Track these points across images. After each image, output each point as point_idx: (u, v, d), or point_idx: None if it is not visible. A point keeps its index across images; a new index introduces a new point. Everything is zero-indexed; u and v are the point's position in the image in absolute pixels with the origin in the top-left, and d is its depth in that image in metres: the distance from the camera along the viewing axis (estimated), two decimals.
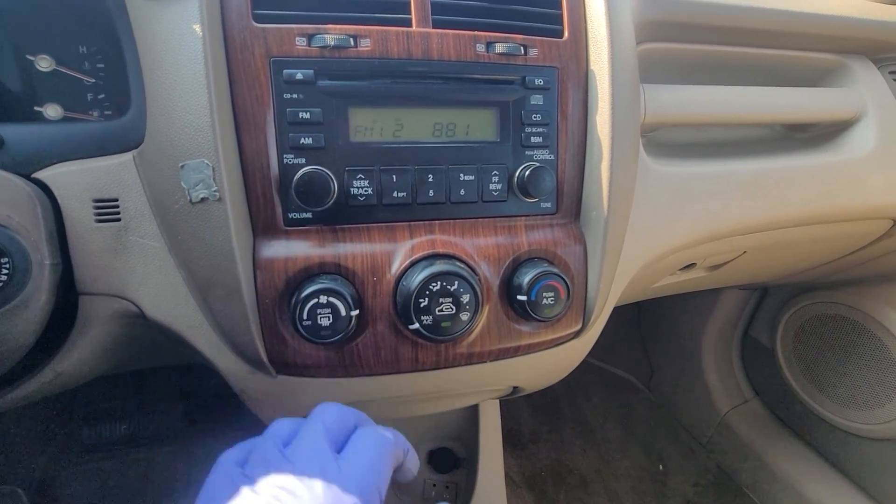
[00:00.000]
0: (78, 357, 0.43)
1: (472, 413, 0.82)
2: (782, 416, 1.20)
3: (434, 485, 0.81)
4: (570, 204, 0.49)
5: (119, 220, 0.41)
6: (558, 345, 0.50)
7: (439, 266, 0.41)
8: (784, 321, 1.12)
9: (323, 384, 0.45)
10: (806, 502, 1.04)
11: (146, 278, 0.42)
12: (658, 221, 0.56)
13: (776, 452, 1.13)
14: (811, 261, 0.89)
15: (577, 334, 0.50)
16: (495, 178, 0.46)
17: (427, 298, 0.41)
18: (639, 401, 1.42)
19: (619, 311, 1.73)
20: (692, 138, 0.71)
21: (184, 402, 1.10)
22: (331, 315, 0.40)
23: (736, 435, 1.21)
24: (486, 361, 0.48)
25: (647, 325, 1.47)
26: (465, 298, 0.41)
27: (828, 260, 0.90)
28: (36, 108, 0.46)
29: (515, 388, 0.59)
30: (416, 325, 0.41)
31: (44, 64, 0.46)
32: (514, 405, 1.37)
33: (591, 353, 1.77)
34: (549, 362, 0.53)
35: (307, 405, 0.50)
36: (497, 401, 0.83)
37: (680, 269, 0.76)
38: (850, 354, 1.00)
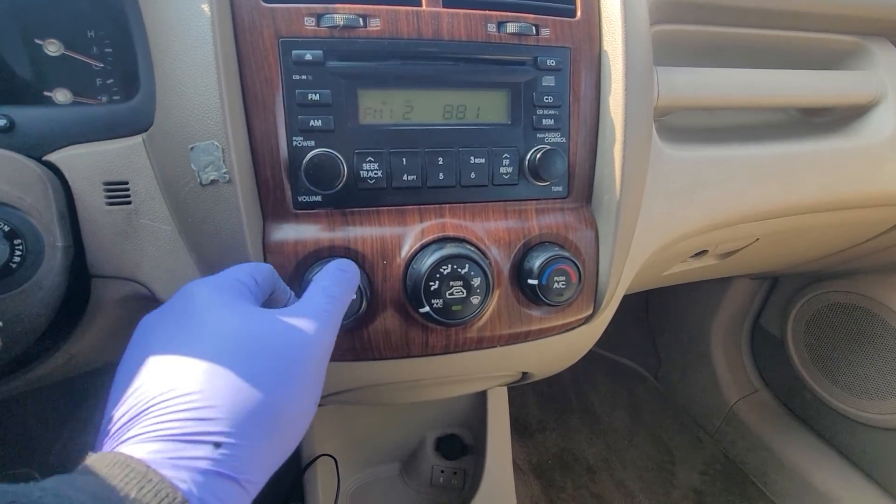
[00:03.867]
0: (91, 340, 0.43)
1: (480, 400, 0.82)
2: (791, 406, 1.19)
3: (442, 471, 0.82)
4: (581, 188, 0.49)
5: (130, 202, 0.41)
6: (569, 330, 0.50)
7: (450, 249, 0.41)
8: (795, 311, 1.11)
9: (332, 368, 0.45)
10: (814, 491, 1.04)
11: (157, 261, 0.42)
12: (671, 206, 0.55)
13: (784, 442, 1.13)
14: (825, 249, 0.88)
15: (587, 319, 0.50)
16: (506, 162, 0.46)
17: (437, 282, 0.40)
18: (646, 390, 1.42)
19: (627, 301, 1.72)
20: (706, 123, 0.69)
21: None
22: None
23: (744, 425, 1.21)
24: (496, 346, 0.48)
25: (655, 314, 1.46)
26: (476, 282, 0.41)
27: (842, 248, 0.88)
28: (45, 93, 0.46)
29: (525, 374, 0.58)
30: (427, 309, 0.40)
31: (52, 48, 0.46)
32: (521, 394, 1.38)
33: (598, 343, 1.77)
34: (560, 348, 0.53)
35: None
36: (505, 388, 0.83)
37: (691, 257, 0.75)
38: (862, 344, 0.99)
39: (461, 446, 0.83)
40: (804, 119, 0.73)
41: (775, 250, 0.85)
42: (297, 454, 0.76)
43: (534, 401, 1.37)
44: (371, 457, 0.83)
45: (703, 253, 0.73)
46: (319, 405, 0.76)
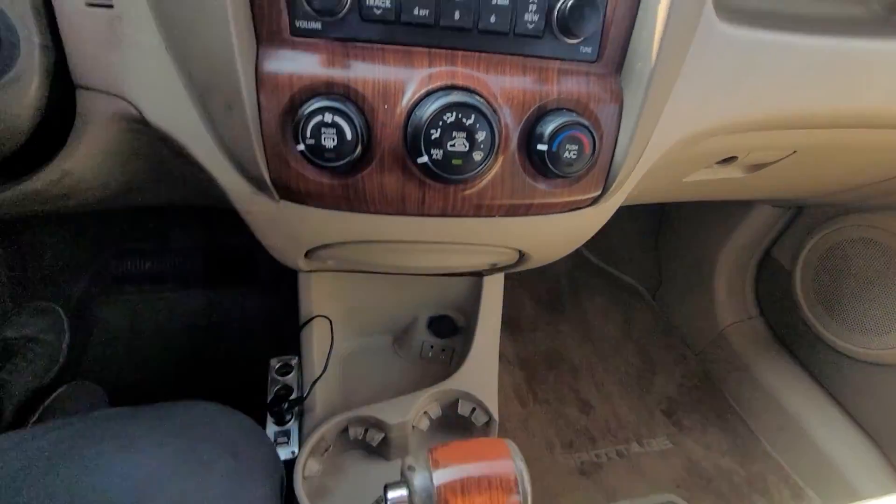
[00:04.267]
0: (82, 158, 0.42)
1: (476, 287, 0.83)
2: (781, 335, 1.21)
3: (431, 346, 0.86)
4: (613, 52, 0.43)
5: (111, 6, 0.37)
6: (573, 210, 0.48)
7: (457, 96, 0.38)
8: (812, 243, 1.08)
9: (326, 217, 0.44)
10: (783, 412, 1.09)
11: (144, 78, 0.39)
12: (709, 91, 0.49)
13: (766, 367, 1.16)
14: (866, 175, 0.82)
15: (594, 201, 0.48)
16: (532, 8, 0.40)
17: (439, 130, 0.37)
18: (642, 308, 1.44)
19: (638, 219, 1.68)
20: (773, 7, 0.60)
21: (203, 251, 1.15)
22: (335, 136, 0.37)
23: (731, 348, 1.24)
24: (494, 216, 0.46)
25: (665, 235, 1.44)
26: (481, 136, 0.38)
27: (885, 177, 0.82)
28: None
29: (522, 256, 0.58)
30: (425, 159, 0.38)
31: None
32: (517, 295, 1.41)
33: (602, 258, 1.76)
34: (560, 229, 0.51)
35: (310, 236, 0.50)
36: (501, 277, 0.84)
37: (717, 163, 0.70)
38: (872, 281, 0.97)
39: (453, 327, 0.86)
40: (889, 16, 0.63)
41: (809, 170, 0.79)
42: (296, 314, 0.79)
43: (529, 303, 1.40)
44: (365, 328, 0.87)
45: (731, 160, 0.68)
46: (316, 269, 0.77)
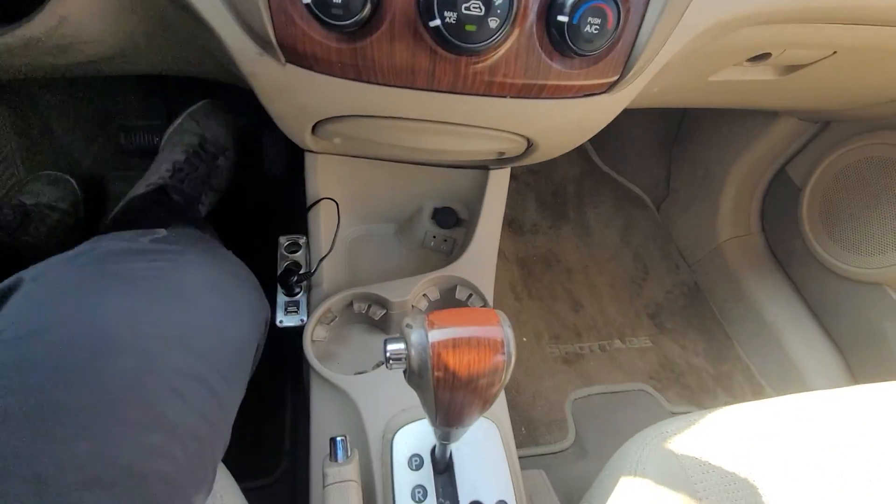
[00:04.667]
0: (78, 2, 0.40)
1: (481, 182, 0.84)
2: (776, 252, 1.23)
3: (434, 236, 0.88)
4: None
5: None
6: (587, 95, 0.46)
7: None
8: (829, 160, 1.05)
9: (333, 84, 0.43)
10: (761, 321, 1.15)
11: None
12: None
13: (755, 280, 1.20)
14: None
15: (610, 87, 0.46)
16: None
17: None
18: (645, 218, 1.45)
19: (655, 128, 1.61)
20: None
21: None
22: None
23: (724, 261, 1.27)
24: (505, 96, 0.45)
25: (680, 146, 1.40)
26: (498, 0, 0.36)
27: None
28: None
29: (529, 145, 0.57)
30: (438, 22, 0.36)
31: None
32: (522, 197, 1.41)
33: (613, 166, 1.72)
34: (572, 116, 0.50)
35: (317, 106, 0.50)
36: (507, 174, 0.84)
37: (748, 60, 0.66)
38: (882, 201, 0.96)
39: (456, 219, 0.88)
40: None
41: (847, 76, 0.74)
42: (304, 196, 0.81)
43: (534, 206, 1.41)
44: (371, 214, 0.89)
45: (764, 56, 0.64)
46: (323, 150, 0.77)
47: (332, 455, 0.50)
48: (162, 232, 0.48)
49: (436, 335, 0.36)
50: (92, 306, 0.36)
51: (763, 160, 1.20)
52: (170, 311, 0.39)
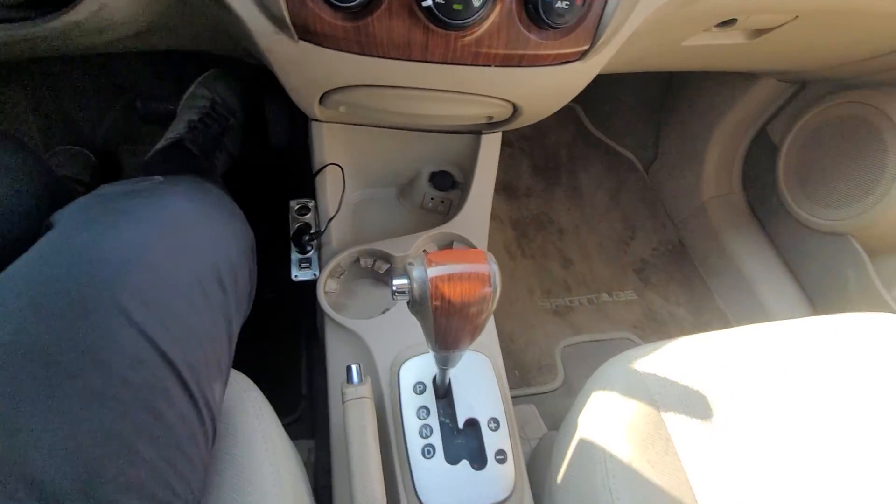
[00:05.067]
0: None
1: (474, 146, 0.90)
2: (756, 208, 1.31)
3: (432, 198, 0.96)
4: None
5: None
6: (562, 63, 0.53)
7: None
8: (805, 119, 1.11)
9: (340, 58, 0.50)
10: (738, 273, 1.24)
11: None
12: None
13: (734, 235, 1.28)
14: (867, 47, 0.82)
15: (582, 55, 0.52)
16: None
17: None
18: (634, 180, 1.52)
19: (645, 92, 1.65)
20: None
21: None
22: None
23: (707, 219, 1.34)
24: (490, 65, 0.51)
25: (669, 109, 1.45)
26: None
27: (888, 50, 0.83)
28: None
29: (515, 109, 0.64)
30: (429, 3, 0.43)
31: None
32: (516, 162, 1.47)
33: (604, 129, 1.77)
34: (551, 82, 0.57)
35: (325, 77, 0.56)
36: (498, 138, 0.90)
37: (717, 26, 0.71)
38: (852, 158, 1.03)
39: (451, 181, 0.95)
40: None
41: (811, 39, 0.80)
42: (310, 164, 0.87)
43: (527, 170, 1.47)
44: (373, 179, 0.96)
45: (731, 22, 0.70)
46: (329, 119, 0.83)
47: (349, 378, 0.59)
48: (159, 179, 0.53)
49: (434, 271, 0.43)
50: (105, 237, 0.40)
51: (744, 121, 1.26)
52: (174, 234, 0.44)
